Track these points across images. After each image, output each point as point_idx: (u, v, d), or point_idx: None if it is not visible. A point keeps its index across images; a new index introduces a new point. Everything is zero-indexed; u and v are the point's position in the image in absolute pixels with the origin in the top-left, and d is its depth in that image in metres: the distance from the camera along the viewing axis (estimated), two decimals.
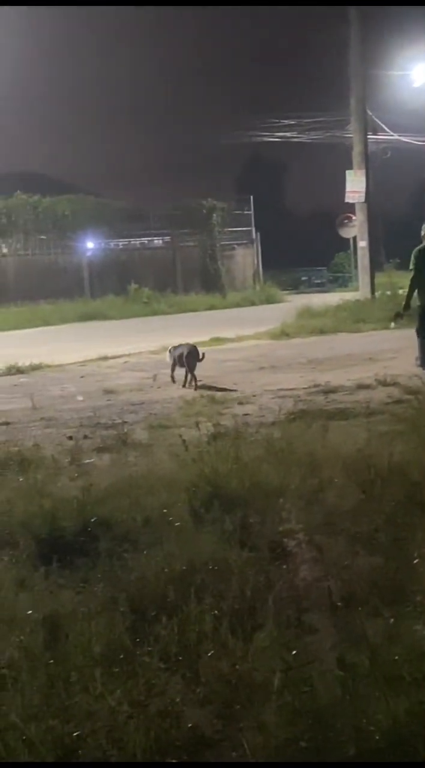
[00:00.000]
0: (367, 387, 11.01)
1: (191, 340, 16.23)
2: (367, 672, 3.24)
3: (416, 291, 12.36)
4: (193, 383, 12.26)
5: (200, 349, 12.76)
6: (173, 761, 3.05)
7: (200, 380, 12.39)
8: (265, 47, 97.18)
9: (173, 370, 12.75)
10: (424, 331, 12.29)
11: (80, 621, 4.00)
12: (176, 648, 3.74)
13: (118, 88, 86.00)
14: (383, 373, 11.67)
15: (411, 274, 12.50)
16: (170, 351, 12.99)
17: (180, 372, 12.58)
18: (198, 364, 12.36)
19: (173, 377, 12.71)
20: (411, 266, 12.53)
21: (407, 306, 12.57)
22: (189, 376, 12.39)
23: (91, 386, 12.82)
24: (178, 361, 12.63)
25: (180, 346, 12.83)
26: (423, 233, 12.59)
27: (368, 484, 5.69)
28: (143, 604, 4.19)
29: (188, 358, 12.51)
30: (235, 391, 11.42)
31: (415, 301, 12.39)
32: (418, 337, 12.39)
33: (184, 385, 12.30)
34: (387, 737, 2.97)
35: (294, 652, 3.44)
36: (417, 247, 12.50)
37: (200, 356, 12.55)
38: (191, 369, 12.40)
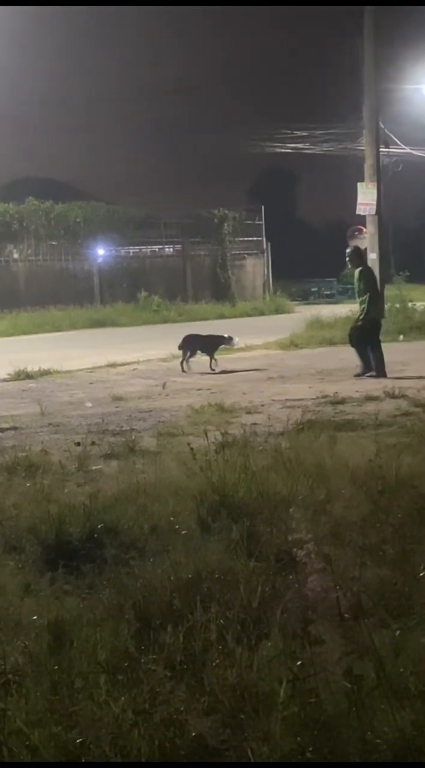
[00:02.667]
0: (375, 399, 11.00)
1: None
2: (374, 684, 3.22)
3: (368, 305, 13.98)
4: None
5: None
6: (173, 761, 3.03)
7: (209, 388, 12.95)
8: (279, 59, 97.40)
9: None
10: (370, 342, 13.90)
11: (85, 627, 3.99)
12: (182, 656, 3.72)
13: (132, 97, 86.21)
14: (391, 385, 11.66)
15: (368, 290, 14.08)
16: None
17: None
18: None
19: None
20: (357, 288, 14.31)
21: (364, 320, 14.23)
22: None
23: (99, 393, 12.84)
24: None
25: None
26: (348, 257, 14.67)
27: (376, 495, 5.67)
28: (149, 612, 4.17)
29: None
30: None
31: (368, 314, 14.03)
32: (362, 346, 13.95)
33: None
34: (393, 749, 2.95)
35: (300, 662, 3.41)
36: (357, 269, 14.34)
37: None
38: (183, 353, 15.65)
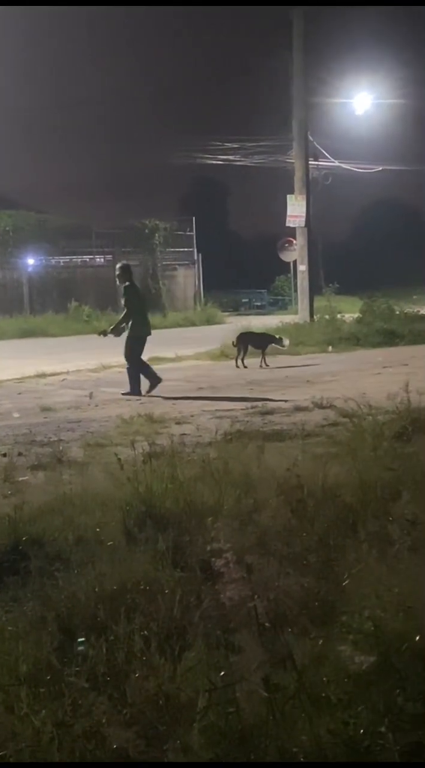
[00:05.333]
0: (304, 409, 11.09)
1: None
2: (293, 692, 3.24)
3: (132, 323, 13.97)
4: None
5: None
6: (173, 762, 3.02)
7: (138, 399, 13.00)
8: (210, 70, 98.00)
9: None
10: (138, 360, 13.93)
11: (8, 640, 3.95)
12: (104, 668, 3.70)
13: (62, 105, 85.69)
14: (320, 395, 11.78)
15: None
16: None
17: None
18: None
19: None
20: (124, 305, 14.28)
21: (114, 329, 14.50)
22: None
23: (28, 403, 12.72)
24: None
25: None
26: (117, 272, 15.03)
27: (301, 505, 5.72)
28: (73, 624, 4.15)
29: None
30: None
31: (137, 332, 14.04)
32: (136, 365, 13.84)
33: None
34: (310, 757, 2.98)
35: (222, 672, 3.42)
36: (123, 286, 14.36)
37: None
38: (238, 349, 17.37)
